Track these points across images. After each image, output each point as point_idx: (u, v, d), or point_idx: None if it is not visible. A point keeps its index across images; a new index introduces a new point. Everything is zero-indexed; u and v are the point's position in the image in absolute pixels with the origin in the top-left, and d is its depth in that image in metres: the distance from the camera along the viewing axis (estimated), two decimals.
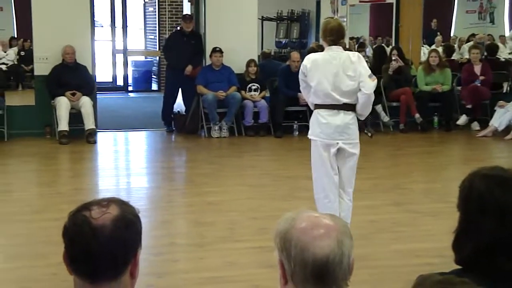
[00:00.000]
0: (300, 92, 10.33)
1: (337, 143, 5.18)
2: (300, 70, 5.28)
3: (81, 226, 1.73)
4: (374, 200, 6.74)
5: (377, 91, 11.41)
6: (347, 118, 5.14)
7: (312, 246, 1.69)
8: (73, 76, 10.01)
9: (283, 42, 18.46)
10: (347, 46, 14.42)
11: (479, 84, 11.13)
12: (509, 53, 14.15)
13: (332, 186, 5.21)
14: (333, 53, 5.09)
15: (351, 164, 5.29)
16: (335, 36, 5.11)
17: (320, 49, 14.13)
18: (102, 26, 17.75)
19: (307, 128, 10.71)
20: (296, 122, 10.77)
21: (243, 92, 10.66)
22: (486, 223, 2.00)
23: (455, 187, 2.16)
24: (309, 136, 5.35)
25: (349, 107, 5.13)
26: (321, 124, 5.17)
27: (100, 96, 11.63)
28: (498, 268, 1.99)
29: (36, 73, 10.52)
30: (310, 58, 5.18)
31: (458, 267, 2.09)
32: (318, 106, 5.20)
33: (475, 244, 2.01)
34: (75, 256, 1.76)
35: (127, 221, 1.76)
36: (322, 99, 5.12)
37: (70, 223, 1.77)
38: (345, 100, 5.07)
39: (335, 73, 5.02)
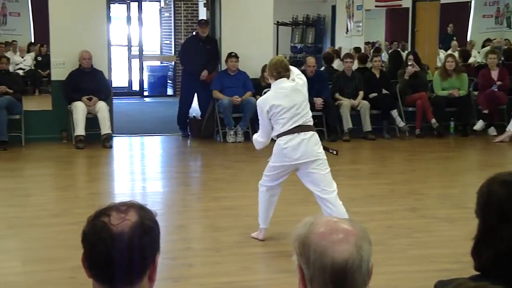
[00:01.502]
0: (315, 97, 10.43)
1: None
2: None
3: (100, 233, 1.74)
4: (390, 206, 6.72)
5: (393, 96, 11.47)
6: None
7: (331, 251, 1.69)
8: (89, 81, 10.07)
9: (299, 47, 18.48)
10: (363, 51, 14.41)
11: (496, 89, 11.07)
12: None
13: None
14: (280, 85, 5.37)
15: None
16: (280, 69, 5.37)
17: (336, 53, 14.15)
18: (118, 32, 17.82)
19: (322, 133, 10.77)
20: None
21: (258, 97, 10.65)
22: (506, 229, 1.98)
23: (471, 193, 2.15)
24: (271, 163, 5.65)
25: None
26: None
27: (116, 101, 11.69)
28: None
29: (53, 78, 10.59)
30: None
31: (476, 273, 2.08)
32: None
33: (495, 251, 2.00)
34: (94, 262, 1.76)
35: (146, 228, 1.77)
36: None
37: (89, 229, 1.78)
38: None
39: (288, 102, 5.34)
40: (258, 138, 5.76)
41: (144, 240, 1.76)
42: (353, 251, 1.70)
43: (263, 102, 5.44)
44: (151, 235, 1.78)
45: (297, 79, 5.44)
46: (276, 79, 5.38)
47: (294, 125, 5.31)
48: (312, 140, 5.36)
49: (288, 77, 5.38)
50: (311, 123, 5.43)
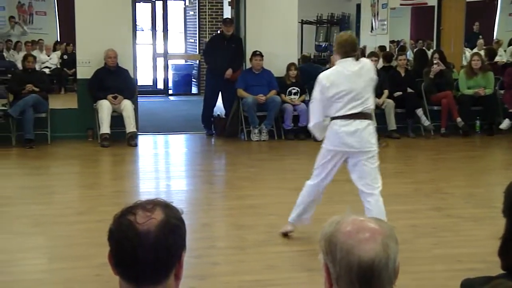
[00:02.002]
0: None
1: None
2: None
3: (126, 232, 1.75)
4: (415, 205, 6.68)
5: (418, 95, 11.40)
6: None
7: (358, 250, 1.69)
8: (114, 79, 10.14)
9: (323, 45, 18.44)
10: (388, 49, 14.34)
11: None
12: None
13: None
14: (345, 64, 5.13)
15: None
16: (348, 48, 5.14)
17: (361, 52, 14.06)
18: (143, 30, 17.95)
19: None
20: None
21: (283, 95, 10.67)
22: None
23: (497, 192, 2.13)
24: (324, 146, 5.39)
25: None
26: None
27: (141, 100, 11.75)
28: None
29: (78, 76, 10.68)
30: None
31: (502, 272, 2.07)
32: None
33: None
34: (120, 260, 1.78)
35: (171, 226, 1.77)
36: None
37: (115, 227, 1.79)
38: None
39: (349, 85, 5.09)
40: (310, 125, 5.41)
41: (170, 238, 1.76)
42: (380, 250, 1.69)
43: (325, 77, 5.12)
44: (177, 233, 1.79)
45: (366, 62, 5.27)
46: (341, 57, 5.13)
47: (350, 112, 5.08)
48: (367, 130, 5.16)
49: (355, 57, 5.15)
50: (369, 111, 5.18)
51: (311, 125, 5.39)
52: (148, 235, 1.73)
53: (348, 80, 5.07)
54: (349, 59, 5.13)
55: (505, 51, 15.08)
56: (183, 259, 1.83)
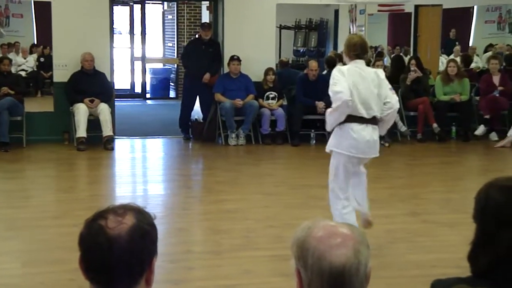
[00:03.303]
0: (317, 101, 10.43)
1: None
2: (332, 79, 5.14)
3: (96, 236, 1.74)
4: (390, 210, 6.72)
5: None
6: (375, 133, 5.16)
7: (329, 255, 1.69)
8: (91, 83, 10.09)
9: (301, 50, 18.47)
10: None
11: (497, 95, 11.07)
12: None
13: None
14: (360, 66, 5.10)
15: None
16: (359, 51, 5.11)
17: (338, 57, 14.13)
18: (121, 34, 17.87)
19: (324, 136, 10.77)
20: (313, 130, 10.76)
21: (260, 100, 10.68)
22: (503, 235, 1.98)
23: (472, 198, 2.15)
24: (333, 148, 5.29)
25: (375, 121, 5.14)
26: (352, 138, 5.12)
27: (118, 103, 11.70)
28: None
29: (55, 79, 10.60)
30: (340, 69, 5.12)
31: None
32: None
33: (492, 256, 2.00)
34: (90, 265, 1.77)
35: (142, 231, 1.77)
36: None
37: (85, 232, 1.78)
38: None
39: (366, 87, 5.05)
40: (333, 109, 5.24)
41: (141, 243, 1.76)
42: (351, 255, 1.70)
43: (343, 70, 5.06)
44: (147, 239, 1.79)
45: (379, 72, 5.21)
46: (352, 60, 5.10)
47: (362, 115, 5.07)
48: (376, 135, 5.17)
49: (366, 60, 5.14)
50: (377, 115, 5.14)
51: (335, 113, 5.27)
52: (119, 240, 1.73)
53: (363, 80, 5.04)
54: (362, 61, 5.12)
55: (478, 55, 15.22)
56: (154, 264, 1.83)
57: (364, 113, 5.07)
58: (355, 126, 5.11)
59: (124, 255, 1.73)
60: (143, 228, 1.78)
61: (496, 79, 11.24)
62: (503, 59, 12.51)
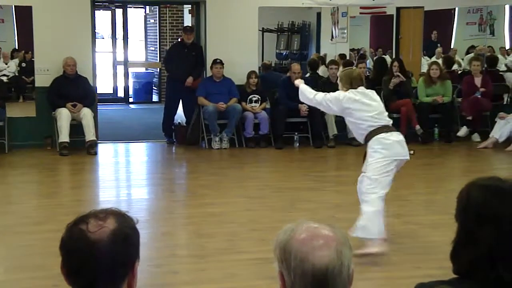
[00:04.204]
0: (300, 103, 10.43)
1: None
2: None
3: (77, 240, 1.73)
4: None
5: None
6: None
7: (312, 257, 1.69)
8: (74, 87, 10.04)
9: (284, 53, 18.49)
10: (348, 58, 14.47)
11: (479, 96, 11.15)
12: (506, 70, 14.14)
13: None
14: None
15: None
16: (360, 82, 5.61)
17: (321, 60, 14.14)
18: (103, 38, 17.80)
19: (307, 139, 10.79)
20: (296, 133, 10.78)
21: (243, 103, 10.68)
22: (483, 233, 2.00)
23: (455, 199, 2.16)
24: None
25: None
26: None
27: (101, 108, 11.65)
28: (495, 278, 1.99)
29: (37, 84, 10.54)
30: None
31: (455, 276, 2.10)
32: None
33: (473, 254, 2.02)
34: (71, 269, 1.76)
35: (124, 235, 1.76)
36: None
37: (66, 236, 1.77)
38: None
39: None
40: (310, 95, 5.80)
41: (122, 247, 1.75)
42: (334, 256, 1.70)
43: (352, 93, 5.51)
44: (129, 242, 1.78)
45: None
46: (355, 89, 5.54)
47: (382, 124, 5.49)
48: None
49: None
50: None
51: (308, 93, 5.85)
52: (99, 244, 1.72)
53: (372, 100, 5.57)
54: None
55: (462, 59, 15.32)
56: (136, 268, 1.82)
57: (382, 123, 5.51)
58: (384, 134, 5.52)
59: (105, 259, 1.72)
60: (125, 232, 1.77)
61: (477, 81, 11.31)
62: (484, 60, 12.60)
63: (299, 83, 5.92)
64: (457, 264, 2.07)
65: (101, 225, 1.75)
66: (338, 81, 5.81)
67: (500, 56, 14.09)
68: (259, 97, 10.78)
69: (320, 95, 5.71)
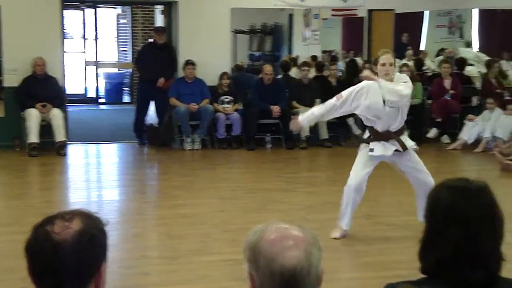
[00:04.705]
0: (272, 105, 10.45)
1: None
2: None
3: (42, 241, 1.71)
4: None
5: None
6: None
7: (281, 258, 1.69)
8: (43, 88, 9.94)
9: (256, 55, 18.49)
10: (320, 59, 14.52)
11: (449, 98, 11.26)
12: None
13: None
14: None
15: None
16: None
17: (293, 61, 14.16)
18: (73, 38, 17.65)
19: (279, 141, 10.80)
20: (268, 134, 10.79)
21: (215, 104, 10.66)
22: (450, 233, 2.03)
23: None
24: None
25: None
26: None
27: (71, 108, 11.56)
28: (461, 278, 2.01)
29: (5, 84, 10.41)
30: None
31: (423, 276, 2.12)
32: None
33: (440, 254, 2.04)
34: (37, 271, 1.74)
35: (90, 236, 1.74)
36: None
37: (32, 238, 1.75)
38: None
39: None
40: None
41: (88, 248, 1.73)
42: (302, 257, 1.70)
43: None
44: (95, 243, 1.76)
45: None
46: None
47: None
48: None
49: None
50: None
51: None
52: (64, 245, 1.70)
53: None
54: None
55: (433, 61, 15.45)
56: (104, 270, 1.79)
57: None
58: None
59: (70, 260, 1.70)
60: (91, 233, 1.75)
61: (447, 83, 11.42)
62: (454, 63, 12.72)
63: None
64: (425, 263, 2.10)
65: (67, 226, 1.73)
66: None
67: None
68: (231, 98, 10.77)
69: None
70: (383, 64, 5.61)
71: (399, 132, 5.82)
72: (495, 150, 9.81)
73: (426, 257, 2.09)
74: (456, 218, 2.03)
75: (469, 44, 15.50)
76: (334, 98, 5.89)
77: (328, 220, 6.12)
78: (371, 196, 7.50)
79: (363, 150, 5.91)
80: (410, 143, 5.90)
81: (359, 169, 5.80)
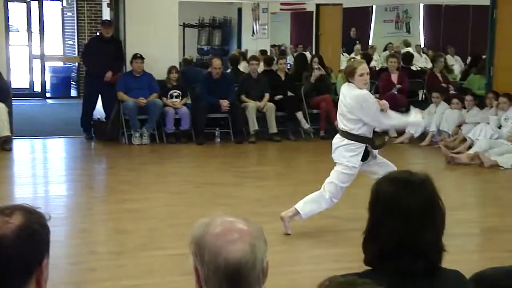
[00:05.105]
0: (221, 99, 10.45)
1: None
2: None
3: None
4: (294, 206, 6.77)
5: (298, 99, 11.63)
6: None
7: (225, 251, 1.69)
8: None
9: (205, 49, 18.47)
10: (269, 53, 14.56)
11: (396, 92, 11.41)
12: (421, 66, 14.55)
13: None
14: None
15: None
16: None
17: (242, 55, 14.15)
18: (18, 31, 17.31)
19: (228, 135, 10.80)
20: (217, 129, 10.78)
21: (164, 98, 10.59)
22: (391, 225, 2.06)
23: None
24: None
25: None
26: None
27: (16, 103, 11.33)
28: (402, 268, 2.05)
29: None
30: None
31: (367, 268, 2.15)
32: None
33: (381, 245, 2.07)
34: None
35: (31, 231, 1.72)
36: None
37: None
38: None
39: None
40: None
41: (29, 243, 1.71)
42: (247, 250, 1.70)
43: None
44: (36, 239, 1.73)
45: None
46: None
47: None
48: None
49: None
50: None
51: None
52: (4, 240, 1.67)
53: None
54: None
55: (380, 56, 15.66)
56: (45, 265, 1.77)
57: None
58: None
59: (11, 255, 1.67)
60: (32, 228, 1.72)
61: (394, 77, 11.59)
62: (401, 58, 12.91)
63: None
64: (368, 255, 2.13)
65: (7, 221, 1.70)
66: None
67: (415, 54, 14.48)
68: (180, 93, 10.72)
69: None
70: (362, 75, 5.75)
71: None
72: (440, 144, 10.00)
73: (369, 249, 2.12)
74: (396, 210, 2.07)
75: (407, 44, 15.74)
76: None
77: (277, 214, 6.14)
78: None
79: None
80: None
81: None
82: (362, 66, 5.84)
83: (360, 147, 5.86)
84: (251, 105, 10.78)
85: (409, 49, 15.04)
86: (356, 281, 1.57)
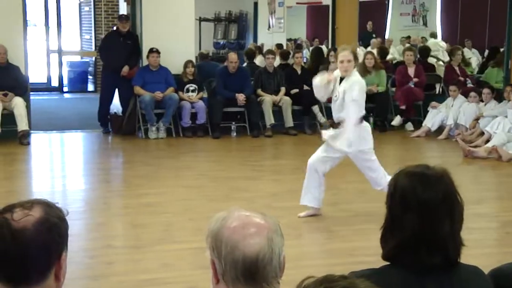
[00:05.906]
0: (237, 93, 10.46)
1: None
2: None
3: (0, 229, 1.70)
4: None
5: (313, 92, 11.57)
6: None
7: (242, 245, 1.70)
8: (4, 76, 9.78)
9: (221, 43, 18.49)
10: (285, 47, 14.53)
11: (412, 86, 11.37)
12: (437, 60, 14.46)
13: None
14: None
15: None
16: None
17: (258, 49, 14.13)
18: (36, 26, 17.41)
19: (244, 129, 10.81)
20: (233, 123, 10.78)
21: (180, 93, 10.62)
22: (408, 219, 2.05)
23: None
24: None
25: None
26: None
27: (34, 97, 11.41)
28: (419, 262, 2.04)
29: None
30: None
31: (386, 263, 2.14)
32: None
33: (399, 239, 2.07)
34: None
35: (50, 224, 1.73)
36: None
37: None
38: None
39: None
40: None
41: (48, 236, 1.72)
42: (264, 244, 1.71)
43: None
44: (55, 232, 1.75)
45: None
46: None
47: None
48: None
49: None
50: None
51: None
52: (24, 233, 1.69)
53: None
54: None
55: (397, 49, 15.58)
56: (64, 259, 1.78)
57: None
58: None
59: (29, 248, 1.69)
60: (51, 221, 1.74)
61: (411, 71, 11.53)
62: (417, 51, 12.85)
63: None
64: (385, 249, 2.12)
65: (27, 214, 1.71)
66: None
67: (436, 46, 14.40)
68: (196, 87, 10.73)
69: None
70: (341, 61, 5.74)
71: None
72: (458, 137, 9.95)
73: (386, 243, 2.12)
74: (413, 203, 2.06)
75: (434, 35, 15.64)
76: None
77: (292, 208, 6.15)
78: (334, 183, 7.57)
79: None
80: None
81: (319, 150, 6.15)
82: (342, 53, 5.85)
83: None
84: (267, 99, 10.78)
85: (437, 41, 14.94)
86: (333, 277, 1.56)
